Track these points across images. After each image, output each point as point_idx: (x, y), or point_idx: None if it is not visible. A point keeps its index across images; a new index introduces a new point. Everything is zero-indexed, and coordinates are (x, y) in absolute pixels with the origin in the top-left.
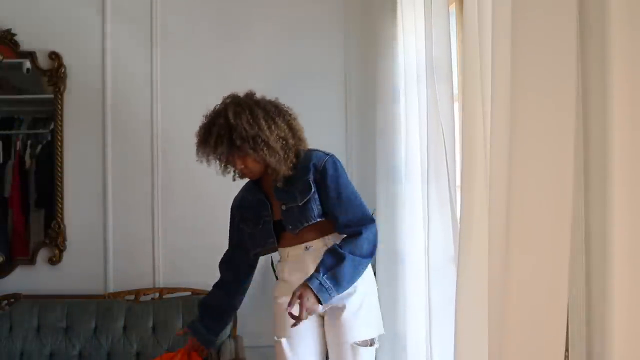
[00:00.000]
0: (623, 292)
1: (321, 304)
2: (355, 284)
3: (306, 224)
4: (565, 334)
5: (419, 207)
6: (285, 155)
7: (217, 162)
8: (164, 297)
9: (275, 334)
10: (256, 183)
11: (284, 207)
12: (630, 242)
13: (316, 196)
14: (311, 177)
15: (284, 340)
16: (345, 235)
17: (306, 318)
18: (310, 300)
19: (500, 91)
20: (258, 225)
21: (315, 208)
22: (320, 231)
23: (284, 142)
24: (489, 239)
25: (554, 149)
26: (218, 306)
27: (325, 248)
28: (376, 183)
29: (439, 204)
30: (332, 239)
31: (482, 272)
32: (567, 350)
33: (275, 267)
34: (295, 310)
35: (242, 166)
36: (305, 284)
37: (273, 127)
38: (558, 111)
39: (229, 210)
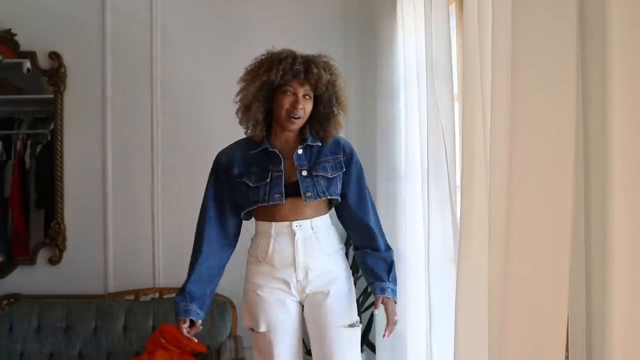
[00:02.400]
0: (623, 292)
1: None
2: (338, 270)
3: (324, 197)
4: (565, 334)
5: (419, 207)
6: (338, 132)
7: (286, 85)
8: (164, 297)
9: (253, 325)
10: (258, 142)
11: (304, 173)
12: (630, 242)
13: (341, 175)
14: (342, 158)
15: (266, 334)
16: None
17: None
18: (391, 306)
19: (500, 91)
20: (265, 179)
21: (339, 185)
22: (315, 211)
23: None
24: (489, 238)
25: (554, 149)
26: (203, 293)
27: (312, 231)
28: (376, 183)
29: (439, 203)
30: (318, 221)
31: (482, 272)
32: (567, 350)
33: (252, 244)
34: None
35: (302, 107)
36: (389, 300)
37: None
38: (558, 111)
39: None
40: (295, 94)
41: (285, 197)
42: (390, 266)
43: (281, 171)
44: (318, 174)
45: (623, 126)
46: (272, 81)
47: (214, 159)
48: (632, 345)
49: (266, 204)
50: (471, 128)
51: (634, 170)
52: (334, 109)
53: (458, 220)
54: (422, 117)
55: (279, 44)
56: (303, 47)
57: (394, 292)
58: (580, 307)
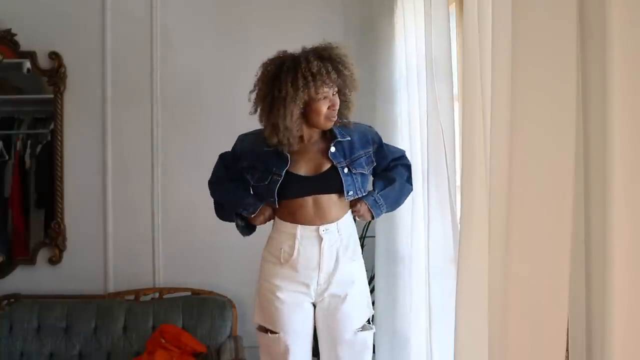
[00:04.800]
0: (623, 292)
1: (373, 218)
2: (357, 274)
3: (360, 194)
4: (565, 334)
5: (419, 207)
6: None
7: (319, 84)
8: (164, 297)
9: (268, 326)
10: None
11: (346, 171)
12: (630, 242)
13: (372, 169)
14: (372, 151)
15: (281, 336)
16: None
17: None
18: (363, 208)
19: (500, 91)
20: (264, 181)
21: (369, 179)
22: (340, 210)
23: None
24: (489, 239)
25: (554, 149)
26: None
27: (338, 234)
28: None
29: (439, 203)
30: (342, 224)
31: (482, 272)
32: (567, 350)
33: (271, 242)
34: None
35: (337, 106)
36: (362, 200)
37: None
38: (558, 111)
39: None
40: (327, 97)
41: (310, 192)
42: (388, 183)
43: (281, 176)
44: (357, 171)
45: (623, 126)
46: (311, 97)
47: (212, 157)
48: (632, 345)
49: (266, 200)
50: (471, 128)
51: (634, 170)
52: (351, 94)
53: (458, 220)
54: (422, 117)
55: (279, 44)
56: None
57: (375, 203)
58: (580, 307)
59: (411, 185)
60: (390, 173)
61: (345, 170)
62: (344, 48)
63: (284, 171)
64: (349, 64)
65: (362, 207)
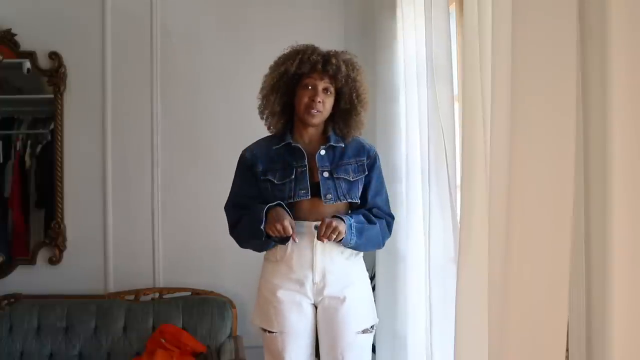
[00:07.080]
0: (623, 292)
1: (341, 241)
2: (356, 274)
3: (344, 200)
4: (565, 334)
5: (419, 207)
6: (360, 131)
7: (306, 78)
8: (164, 297)
9: (266, 325)
10: (281, 137)
11: (326, 174)
12: (631, 242)
13: (363, 178)
14: (365, 161)
15: (277, 335)
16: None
17: (329, 239)
18: (340, 227)
19: (500, 91)
20: (289, 176)
21: (360, 189)
22: (335, 213)
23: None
24: (489, 238)
25: (554, 149)
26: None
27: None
28: None
29: (439, 203)
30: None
31: (482, 272)
32: (567, 350)
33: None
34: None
35: (321, 100)
36: (337, 217)
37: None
38: (558, 111)
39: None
40: (314, 88)
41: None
42: (368, 221)
43: (305, 166)
44: (339, 176)
45: (623, 125)
46: (289, 72)
47: (212, 157)
48: (632, 345)
49: (292, 200)
50: (471, 128)
51: (634, 169)
52: (355, 105)
53: (458, 220)
54: (422, 118)
55: (279, 44)
56: None
57: (350, 230)
58: (580, 307)
59: (383, 243)
60: (372, 216)
61: (326, 174)
62: (357, 58)
63: (306, 163)
64: (356, 68)
65: (336, 221)
